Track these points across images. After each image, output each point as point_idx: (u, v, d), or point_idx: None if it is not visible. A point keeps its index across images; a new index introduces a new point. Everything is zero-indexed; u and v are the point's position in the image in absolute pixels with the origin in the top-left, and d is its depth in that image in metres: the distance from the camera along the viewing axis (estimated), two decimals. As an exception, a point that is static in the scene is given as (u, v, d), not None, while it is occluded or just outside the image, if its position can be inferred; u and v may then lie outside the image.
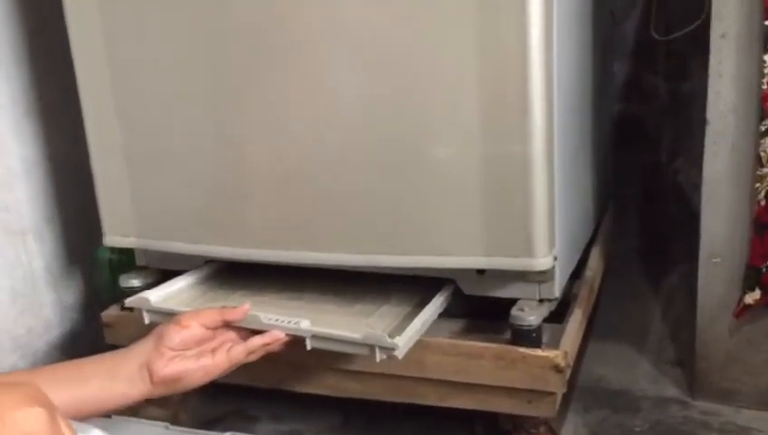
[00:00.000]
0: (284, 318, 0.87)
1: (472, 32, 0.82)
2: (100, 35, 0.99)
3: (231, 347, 0.83)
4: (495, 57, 0.82)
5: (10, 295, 1.17)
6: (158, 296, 0.98)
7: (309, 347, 0.86)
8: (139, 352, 0.80)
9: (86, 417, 0.75)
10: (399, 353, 0.83)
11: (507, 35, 0.81)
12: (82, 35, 1.00)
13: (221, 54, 0.94)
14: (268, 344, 0.85)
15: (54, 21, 1.03)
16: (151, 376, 0.79)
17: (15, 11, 1.18)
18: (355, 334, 0.84)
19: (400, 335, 0.84)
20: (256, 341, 0.84)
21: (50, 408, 0.42)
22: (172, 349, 0.80)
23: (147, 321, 0.96)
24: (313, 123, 0.91)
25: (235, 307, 0.87)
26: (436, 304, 0.94)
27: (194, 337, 0.83)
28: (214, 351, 0.83)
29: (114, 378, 0.78)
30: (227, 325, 0.86)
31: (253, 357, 0.85)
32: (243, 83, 0.93)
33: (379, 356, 0.83)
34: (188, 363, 0.80)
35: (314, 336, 0.86)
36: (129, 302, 0.97)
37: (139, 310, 0.96)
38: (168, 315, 0.91)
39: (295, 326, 0.86)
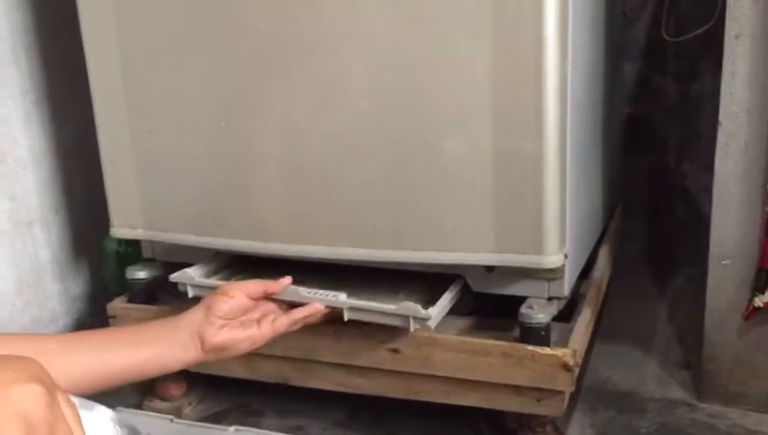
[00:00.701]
0: (323, 291, 0.91)
1: (487, 32, 0.82)
2: (113, 28, 0.99)
3: (275, 319, 0.87)
4: (510, 56, 0.82)
5: (16, 285, 1.17)
6: (198, 273, 1.01)
7: (346, 318, 0.91)
8: (190, 321, 0.84)
9: (147, 378, 0.82)
10: (432, 323, 0.88)
11: (523, 35, 0.81)
12: (94, 28, 1.00)
13: (232, 48, 0.93)
14: (308, 316, 0.89)
15: (66, 12, 1.03)
16: (203, 344, 0.83)
17: (28, 3, 1.18)
18: (391, 306, 0.88)
19: (433, 307, 0.88)
20: (299, 313, 0.88)
21: (49, 385, 0.40)
22: (221, 318, 0.84)
23: (191, 294, 1.00)
24: (325, 118, 0.91)
25: (276, 280, 0.90)
26: (457, 288, 0.95)
27: (240, 306, 0.86)
28: (259, 321, 0.87)
29: (172, 344, 0.83)
30: (268, 297, 0.90)
31: (294, 328, 0.89)
32: (254, 78, 0.93)
33: (413, 326, 0.88)
34: (236, 333, 0.85)
35: (351, 308, 0.90)
36: (173, 277, 1.01)
37: (183, 284, 1.00)
38: (209, 289, 0.94)
39: (334, 299, 0.90)
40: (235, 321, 0.86)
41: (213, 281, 1.00)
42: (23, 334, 0.85)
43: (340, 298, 0.90)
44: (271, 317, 0.88)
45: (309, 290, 0.91)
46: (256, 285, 0.89)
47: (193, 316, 0.85)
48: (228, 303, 0.85)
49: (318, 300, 0.89)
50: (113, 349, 0.80)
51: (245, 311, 0.87)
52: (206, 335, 0.83)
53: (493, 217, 0.87)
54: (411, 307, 0.87)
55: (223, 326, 0.84)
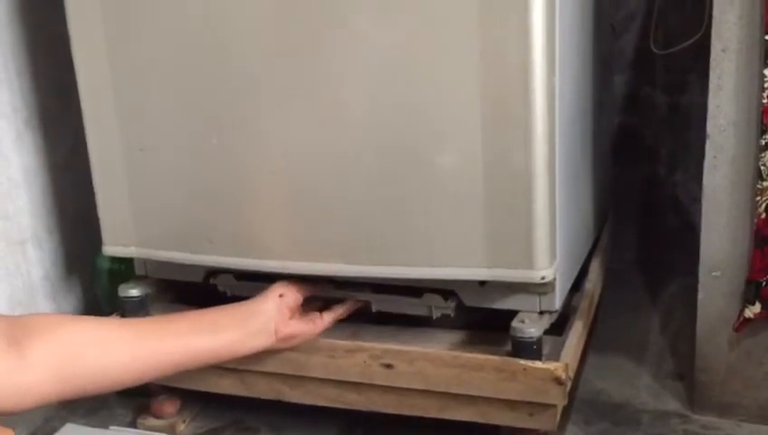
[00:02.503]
0: (350, 288, 1.00)
1: (475, 47, 0.82)
2: (103, 46, 0.99)
3: (323, 314, 0.98)
4: (499, 72, 0.83)
5: (8, 304, 1.17)
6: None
7: (374, 310, 1.00)
8: (264, 310, 0.93)
9: (218, 363, 0.92)
10: (452, 313, 0.96)
11: (510, 50, 0.82)
12: (85, 45, 1.00)
13: (224, 65, 0.94)
14: (346, 311, 1.00)
15: (57, 31, 1.04)
16: (277, 332, 0.92)
17: (18, 20, 1.18)
18: (415, 297, 0.96)
19: (451, 298, 0.96)
20: (339, 309, 0.99)
21: None
22: (290, 309, 0.94)
23: (229, 293, 1.06)
24: (318, 135, 0.91)
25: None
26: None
27: (300, 300, 0.97)
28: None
29: (246, 331, 0.91)
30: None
31: (334, 321, 0.99)
32: (246, 95, 0.93)
33: (435, 314, 0.97)
34: (302, 325, 0.95)
35: (379, 300, 0.99)
36: (214, 281, 1.06)
37: (223, 285, 1.06)
38: (247, 289, 1.02)
39: (362, 294, 0.99)
40: (297, 313, 0.96)
41: (249, 283, 1.04)
42: (119, 320, 0.95)
43: (368, 292, 0.99)
44: (318, 313, 0.98)
45: (336, 289, 1.01)
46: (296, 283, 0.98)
47: (265, 306, 0.93)
48: (293, 296, 0.95)
49: (350, 296, 1.00)
50: (197, 335, 0.87)
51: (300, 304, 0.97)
52: (280, 326, 0.92)
53: (483, 231, 0.88)
54: (434, 298, 0.96)
55: (291, 317, 0.94)
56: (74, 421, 1.11)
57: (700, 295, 1.05)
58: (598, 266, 1.22)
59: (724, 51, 0.95)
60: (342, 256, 0.94)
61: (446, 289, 0.95)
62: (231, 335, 0.90)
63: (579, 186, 1.08)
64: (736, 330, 1.03)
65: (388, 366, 0.95)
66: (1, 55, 1.15)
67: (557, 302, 0.94)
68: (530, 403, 0.91)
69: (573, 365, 0.95)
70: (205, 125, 0.97)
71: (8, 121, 1.17)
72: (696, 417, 1.09)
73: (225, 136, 0.96)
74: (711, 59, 0.96)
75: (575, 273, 1.09)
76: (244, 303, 0.95)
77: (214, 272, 1.06)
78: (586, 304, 1.08)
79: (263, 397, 1.05)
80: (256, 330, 0.92)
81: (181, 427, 1.12)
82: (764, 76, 0.93)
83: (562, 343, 0.96)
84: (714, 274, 1.03)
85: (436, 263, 0.90)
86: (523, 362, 0.89)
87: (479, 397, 0.92)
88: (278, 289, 0.96)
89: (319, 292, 1.00)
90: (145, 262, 1.11)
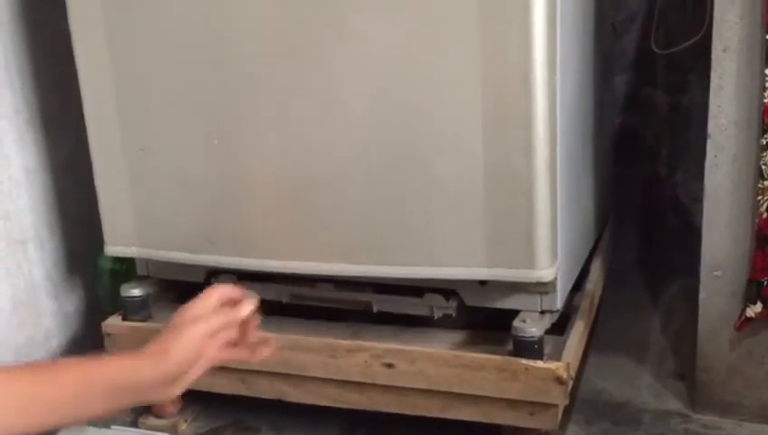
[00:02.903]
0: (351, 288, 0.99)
1: (476, 47, 0.83)
2: (104, 47, 0.99)
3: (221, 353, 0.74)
4: (500, 72, 0.83)
5: (10, 304, 1.17)
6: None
7: (375, 310, 0.99)
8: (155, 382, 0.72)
9: None
10: (453, 312, 0.96)
11: (511, 51, 0.82)
12: (86, 46, 1.01)
13: (225, 67, 0.94)
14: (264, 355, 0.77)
15: (59, 31, 1.04)
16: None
17: (21, 23, 1.18)
18: (416, 297, 0.96)
19: (452, 298, 0.96)
20: (258, 355, 0.76)
21: None
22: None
23: None
24: (319, 137, 0.92)
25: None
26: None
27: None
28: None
29: (122, 402, 0.73)
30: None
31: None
32: (247, 96, 0.94)
33: (436, 314, 0.97)
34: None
35: (380, 300, 0.98)
36: (216, 281, 1.03)
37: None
38: (250, 288, 0.94)
39: (363, 294, 0.99)
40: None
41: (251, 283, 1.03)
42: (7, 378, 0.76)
43: (370, 292, 0.98)
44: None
45: (337, 290, 1.00)
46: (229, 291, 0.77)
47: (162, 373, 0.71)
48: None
49: (347, 297, 1.00)
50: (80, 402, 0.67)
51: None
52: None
53: (484, 231, 0.88)
54: (435, 297, 0.95)
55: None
56: (76, 421, 1.11)
57: (701, 295, 1.05)
58: (599, 266, 1.23)
59: (725, 51, 0.95)
60: (343, 256, 0.94)
61: (447, 289, 0.96)
62: (100, 406, 0.68)
63: (580, 186, 1.08)
64: (738, 329, 1.03)
65: (390, 366, 0.96)
66: (2, 56, 1.16)
67: (558, 301, 0.94)
68: (531, 403, 0.91)
69: (575, 365, 0.95)
70: (205, 125, 0.97)
71: (10, 122, 1.17)
72: (698, 416, 1.09)
73: (226, 136, 0.96)
74: (712, 59, 0.96)
75: (576, 273, 1.09)
76: (141, 363, 0.72)
77: (215, 272, 1.06)
78: (587, 304, 1.08)
79: (264, 397, 1.05)
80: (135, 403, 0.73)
81: (183, 426, 1.12)
82: (765, 76, 0.93)
83: (564, 343, 0.96)
84: (715, 273, 1.03)
85: (437, 263, 0.90)
86: (524, 361, 0.89)
87: (481, 396, 0.93)
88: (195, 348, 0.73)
89: (241, 295, 0.83)
90: (146, 262, 1.11)
